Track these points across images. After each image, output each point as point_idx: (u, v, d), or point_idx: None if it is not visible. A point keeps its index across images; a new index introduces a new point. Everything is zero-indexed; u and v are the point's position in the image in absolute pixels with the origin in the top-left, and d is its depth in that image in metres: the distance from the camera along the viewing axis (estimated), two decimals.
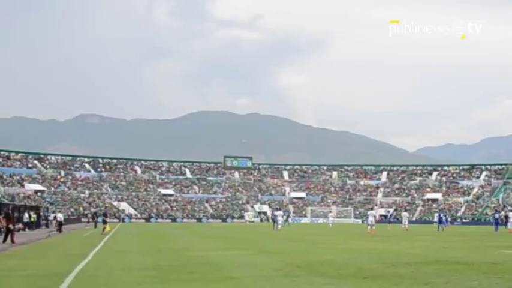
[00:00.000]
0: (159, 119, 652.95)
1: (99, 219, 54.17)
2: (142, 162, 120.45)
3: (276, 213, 51.69)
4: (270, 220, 76.58)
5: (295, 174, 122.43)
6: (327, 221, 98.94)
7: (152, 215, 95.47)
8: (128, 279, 13.16)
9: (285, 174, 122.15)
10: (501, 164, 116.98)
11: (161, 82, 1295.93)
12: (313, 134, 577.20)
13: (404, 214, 58.02)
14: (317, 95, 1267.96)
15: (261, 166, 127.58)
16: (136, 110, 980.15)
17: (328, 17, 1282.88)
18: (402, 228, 51.64)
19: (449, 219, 74.56)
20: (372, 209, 62.03)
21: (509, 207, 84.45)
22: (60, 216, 50.15)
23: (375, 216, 48.89)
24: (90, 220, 66.72)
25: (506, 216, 55.35)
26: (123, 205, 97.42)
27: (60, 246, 27.89)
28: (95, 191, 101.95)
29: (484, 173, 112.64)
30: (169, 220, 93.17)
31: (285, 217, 62.93)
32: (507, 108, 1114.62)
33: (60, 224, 47.03)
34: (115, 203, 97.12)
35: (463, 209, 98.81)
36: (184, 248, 24.67)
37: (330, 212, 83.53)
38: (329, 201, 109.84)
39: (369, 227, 44.23)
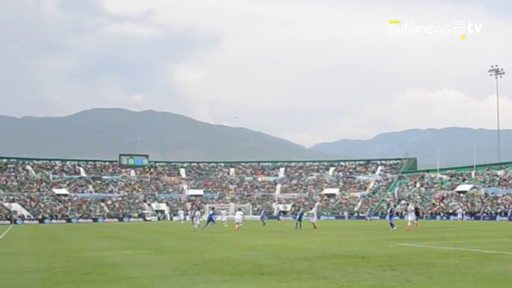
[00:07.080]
0: (51, 116, 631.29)
1: None
2: (35, 161, 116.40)
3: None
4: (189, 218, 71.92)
5: (193, 172, 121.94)
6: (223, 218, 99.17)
7: (46, 216, 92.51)
8: (19, 282, 12.76)
9: (182, 171, 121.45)
10: (395, 159, 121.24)
11: (51, 78, 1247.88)
12: (209, 131, 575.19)
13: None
14: (213, 91, 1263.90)
15: (157, 164, 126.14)
16: (26, 107, 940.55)
17: (223, 13, 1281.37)
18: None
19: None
20: (239, 209, 61.26)
21: (403, 201, 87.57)
22: None
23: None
24: None
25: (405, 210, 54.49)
26: (15, 206, 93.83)
27: None
28: None
29: (380, 167, 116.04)
30: (64, 221, 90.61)
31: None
32: (399, 105, 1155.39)
33: None
34: (6, 204, 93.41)
35: (359, 204, 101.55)
36: (80, 249, 24.12)
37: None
38: (227, 198, 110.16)
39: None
